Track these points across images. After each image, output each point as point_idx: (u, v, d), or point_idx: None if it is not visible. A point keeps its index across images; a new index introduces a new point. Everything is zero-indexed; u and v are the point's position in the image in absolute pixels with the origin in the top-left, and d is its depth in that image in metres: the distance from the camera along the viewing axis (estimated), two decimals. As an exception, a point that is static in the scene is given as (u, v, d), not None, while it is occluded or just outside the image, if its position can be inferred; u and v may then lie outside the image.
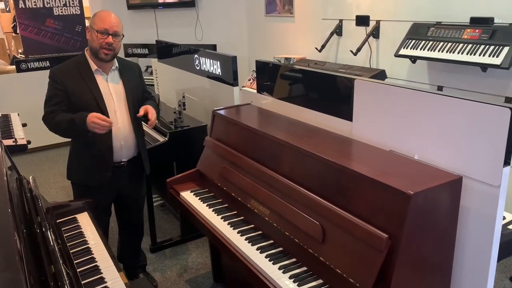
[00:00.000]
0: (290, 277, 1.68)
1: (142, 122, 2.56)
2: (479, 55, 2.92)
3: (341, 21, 4.41)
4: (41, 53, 5.53)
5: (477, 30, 3.02)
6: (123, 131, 2.43)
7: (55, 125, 2.34)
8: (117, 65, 2.44)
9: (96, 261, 1.79)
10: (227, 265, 2.75)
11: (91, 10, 5.92)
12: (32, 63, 5.31)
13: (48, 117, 2.35)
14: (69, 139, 2.52)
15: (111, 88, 2.41)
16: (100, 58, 2.33)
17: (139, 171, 2.64)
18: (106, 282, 1.66)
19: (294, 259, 1.80)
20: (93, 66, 2.36)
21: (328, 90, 2.21)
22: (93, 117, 2.22)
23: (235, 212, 2.19)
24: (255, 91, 2.78)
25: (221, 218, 2.14)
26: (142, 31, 5.75)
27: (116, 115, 2.40)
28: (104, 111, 2.34)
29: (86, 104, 2.32)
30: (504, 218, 2.06)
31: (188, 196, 2.40)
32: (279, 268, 1.74)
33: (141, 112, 2.40)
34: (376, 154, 1.84)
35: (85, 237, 1.97)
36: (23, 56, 5.71)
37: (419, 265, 1.54)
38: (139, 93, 2.56)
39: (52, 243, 1.44)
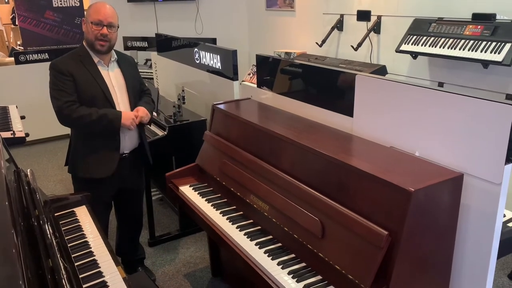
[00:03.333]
0: (289, 273, 1.68)
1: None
2: (481, 51, 2.90)
3: (342, 16, 4.39)
4: (40, 45, 5.50)
5: (479, 26, 3.00)
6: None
7: (78, 118, 2.25)
8: (116, 56, 2.45)
9: (94, 255, 1.78)
10: (225, 260, 2.74)
11: (90, 2, 5.89)
12: (31, 55, 5.29)
13: (68, 109, 2.24)
14: (68, 132, 2.51)
15: (113, 80, 2.42)
16: (96, 50, 2.34)
17: (139, 163, 2.66)
18: (104, 276, 1.65)
19: (293, 255, 1.79)
20: (95, 59, 2.37)
21: (329, 85, 2.20)
22: (131, 115, 2.36)
23: (234, 207, 2.19)
24: (255, 85, 2.76)
25: (220, 213, 2.14)
26: (141, 24, 5.72)
27: (119, 106, 2.41)
28: (112, 103, 2.37)
29: (94, 96, 2.32)
30: (504, 216, 2.06)
31: (187, 190, 2.39)
32: (278, 264, 1.73)
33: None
34: (377, 150, 1.83)
35: (83, 231, 1.96)
36: (22, 48, 5.68)
37: (419, 262, 1.53)
38: (137, 84, 2.59)
39: (49, 237, 1.43)
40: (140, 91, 2.61)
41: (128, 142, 2.48)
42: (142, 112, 2.43)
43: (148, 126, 3.04)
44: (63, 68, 2.27)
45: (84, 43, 2.38)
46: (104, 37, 2.29)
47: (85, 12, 2.42)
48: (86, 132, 2.36)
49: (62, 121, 2.32)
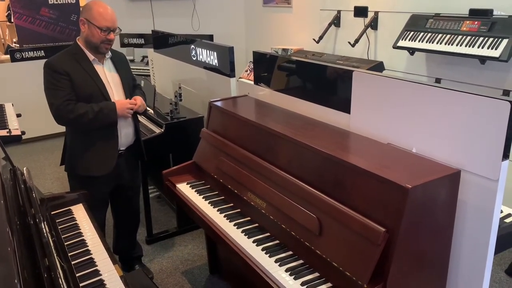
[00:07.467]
0: (287, 270, 1.68)
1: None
2: (478, 47, 2.90)
3: (339, 12, 4.38)
4: (36, 43, 5.46)
5: (476, 22, 3.00)
6: (122, 119, 2.44)
7: (76, 117, 2.25)
8: (110, 54, 2.45)
9: (91, 254, 1.78)
10: (223, 257, 2.74)
11: (86, 0, 5.86)
12: (26, 52, 5.25)
13: (65, 109, 2.25)
14: (64, 130, 2.50)
15: (109, 77, 2.42)
16: (99, 52, 2.36)
17: (135, 160, 2.67)
18: (101, 275, 1.65)
19: (290, 252, 1.79)
20: (90, 57, 2.36)
21: (326, 82, 2.19)
22: (126, 104, 2.38)
23: (232, 204, 2.18)
24: (252, 82, 2.76)
25: (217, 210, 2.13)
26: (138, 21, 5.69)
27: None
28: (108, 100, 2.37)
29: (91, 94, 2.32)
30: (501, 211, 2.06)
31: (184, 188, 2.38)
32: (276, 261, 1.73)
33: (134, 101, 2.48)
34: (374, 147, 1.82)
35: (80, 229, 1.96)
36: (18, 45, 5.65)
37: (416, 259, 1.53)
38: (130, 80, 2.60)
39: (46, 235, 1.43)
40: (132, 86, 2.62)
41: (124, 139, 2.48)
42: (139, 100, 2.46)
43: (144, 117, 3.08)
44: (59, 67, 2.26)
45: (78, 41, 2.37)
46: (110, 41, 2.34)
47: (81, 10, 2.39)
48: (85, 129, 2.36)
49: (60, 121, 2.31)
